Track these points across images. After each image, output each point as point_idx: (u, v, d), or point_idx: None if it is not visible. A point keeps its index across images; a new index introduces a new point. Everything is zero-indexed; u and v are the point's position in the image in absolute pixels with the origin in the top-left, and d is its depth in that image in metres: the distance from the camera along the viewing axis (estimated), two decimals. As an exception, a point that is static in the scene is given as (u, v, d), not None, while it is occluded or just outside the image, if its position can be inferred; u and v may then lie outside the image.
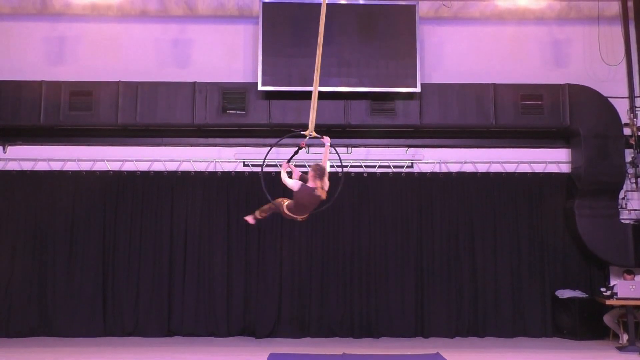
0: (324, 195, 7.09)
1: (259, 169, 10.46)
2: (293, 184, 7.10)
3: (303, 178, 7.22)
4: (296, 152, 7.64)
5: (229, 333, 9.97)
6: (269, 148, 8.08)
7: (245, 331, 10.05)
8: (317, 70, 7.39)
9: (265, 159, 7.90)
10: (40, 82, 9.96)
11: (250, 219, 7.68)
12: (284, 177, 7.23)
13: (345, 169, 10.30)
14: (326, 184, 7.14)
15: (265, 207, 7.50)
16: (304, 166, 10.40)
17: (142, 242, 10.22)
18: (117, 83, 10.01)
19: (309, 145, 9.74)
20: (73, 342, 9.44)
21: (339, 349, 9.00)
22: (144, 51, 10.59)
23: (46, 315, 9.94)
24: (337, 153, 8.01)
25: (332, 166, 10.32)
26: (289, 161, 7.42)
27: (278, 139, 8.05)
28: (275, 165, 10.47)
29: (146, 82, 10.06)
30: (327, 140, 7.43)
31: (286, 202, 7.25)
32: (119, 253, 10.19)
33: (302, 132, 7.48)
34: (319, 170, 7.11)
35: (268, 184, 10.30)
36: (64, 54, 10.56)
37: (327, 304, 10.11)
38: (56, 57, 10.55)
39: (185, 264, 10.19)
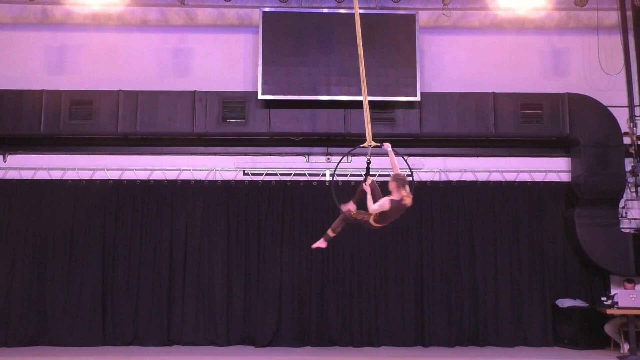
0: (410, 202, 6.96)
1: (259, 178, 10.50)
2: (382, 203, 6.89)
3: (374, 192, 7.06)
4: (368, 168, 7.48)
5: (228, 342, 9.93)
6: (340, 158, 8.20)
7: (245, 340, 10.01)
8: (363, 81, 7.54)
9: (335, 169, 7.91)
10: (41, 91, 9.99)
11: (321, 244, 7.49)
12: (372, 205, 6.96)
13: (345, 178, 10.34)
14: (407, 189, 6.99)
15: (337, 222, 7.34)
16: (304, 174, 10.44)
17: (141, 251, 10.20)
18: (118, 92, 10.03)
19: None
20: (72, 351, 9.40)
21: (339, 357, 8.97)
22: (144, 60, 10.62)
23: (45, 324, 9.90)
24: (406, 161, 7.81)
25: (331, 175, 10.36)
26: (364, 180, 7.22)
27: (350, 149, 8.13)
28: (275, 174, 10.50)
29: (146, 91, 10.08)
30: (387, 146, 7.36)
31: (371, 216, 7.08)
32: (118, 261, 10.16)
33: (362, 146, 7.55)
34: (401, 180, 6.96)
35: (269, 193, 10.37)
36: (65, 63, 10.59)
37: (327, 313, 10.08)
38: (57, 66, 10.58)
39: (185, 273, 10.16)
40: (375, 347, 9.91)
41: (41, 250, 10.14)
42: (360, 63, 7.55)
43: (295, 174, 10.50)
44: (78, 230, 10.20)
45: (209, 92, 10.07)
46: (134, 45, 10.66)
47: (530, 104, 10.11)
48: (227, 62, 10.60)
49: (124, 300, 10.05)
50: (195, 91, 10.07)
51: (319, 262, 10.21)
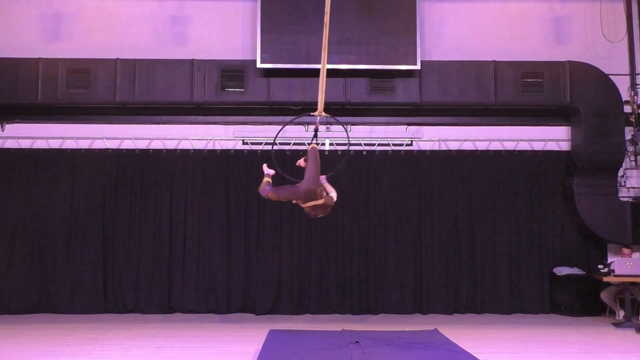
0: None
1: (258, 147, 10.48)
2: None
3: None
4: (315, 135, 7.67)
5: (229, 310, 10.04)
6: (280, 127, 8.51)
7: (245, 308, 10.12)
8: (324, 49, 7.45)
9: (275, 138, 8.40)
10: (38, 60, 9.88)
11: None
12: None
13: (345, 147, 10.32)
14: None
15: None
16: (303, 144, 10.41)
17: (142, 219, 10.23)
18: (115, 60, 9.92)
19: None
20: (74, 318, 9.51)
21: (338, 325, 9.06)
22: (141, 28, 10.47)
23: (47, 292, 9.99)
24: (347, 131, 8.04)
25: (331, 144, 10.35)
26: (313, 138, 7.52)
27: (292, 118, 8.75)
28: (275, 143, 10.43)
29: (144, 60, 9.97)
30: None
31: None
32: (119, 230, 10.21)
33: (311, 114, 7.62)
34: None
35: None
36: (61, 31, 10.45)
37: (326, 281, 10.18)
38: (53, 34, 10.44)
39: (185, 241, 10.22)
40: (374, 314, 10.03)
41: (42, 218, 10.17)
42: (324, 31, 7.64)
43: (294, 143, 10.47)
44: (78, 199, 10.21)
45: (208, 60, 9.96)
46: (130, 13, 10.50)
47: (531, 72, 10.02)
48: (225, 30, 10.45)
49: (125, 268, 10.12)
50: (193, 60, 9.96)
51: (318, 231, 10.26)
